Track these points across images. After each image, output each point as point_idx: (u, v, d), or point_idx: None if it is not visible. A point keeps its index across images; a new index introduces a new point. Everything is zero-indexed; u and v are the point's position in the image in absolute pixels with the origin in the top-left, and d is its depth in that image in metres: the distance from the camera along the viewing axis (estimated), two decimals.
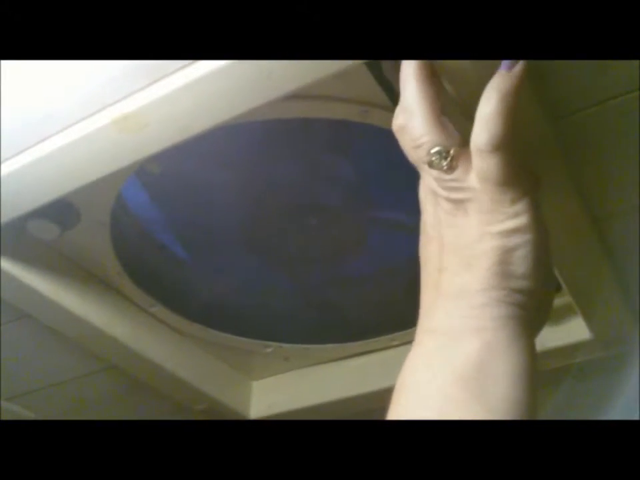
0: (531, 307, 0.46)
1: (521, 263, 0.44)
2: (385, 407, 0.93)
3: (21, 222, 0.64)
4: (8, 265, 0.69)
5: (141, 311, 0.82)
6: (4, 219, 0.63)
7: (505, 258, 0.44)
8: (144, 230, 0.80)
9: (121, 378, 0.88)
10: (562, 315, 0.80)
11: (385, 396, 0.88)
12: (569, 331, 0.81)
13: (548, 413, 0.90)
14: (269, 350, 0.91)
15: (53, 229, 0.66)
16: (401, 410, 0.47)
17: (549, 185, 0.52)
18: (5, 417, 0.96)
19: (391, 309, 0.88)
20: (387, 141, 0.65)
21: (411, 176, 0.73)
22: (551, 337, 0.80)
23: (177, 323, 0.85)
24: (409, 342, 0.87)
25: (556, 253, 0.64)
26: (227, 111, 0.53)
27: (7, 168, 0.59)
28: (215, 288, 0.86)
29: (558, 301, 0.77)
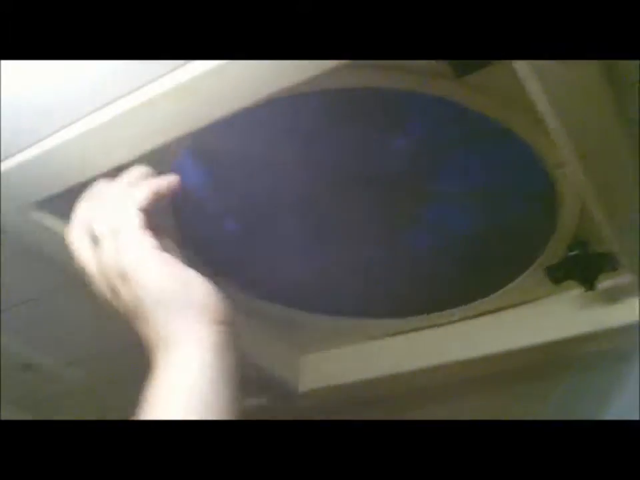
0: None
1: None
2: (435, 384, 0.93)
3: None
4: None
5: None
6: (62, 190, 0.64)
7: None
8: (198, 201, 0.80)
9: None
10: (617, 295, 0.79)
11: (435, 373, 0.89)
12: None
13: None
14: (322, 323, 0.91)
15: None
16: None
17: None
18: (60, 382, 0.99)
19: (448, 284, 0.87)
20: (446, 113, 0.64)
21: (470, 152, 0.73)
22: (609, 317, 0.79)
23: (230, 293, 0.85)
24: (462, 319, 0.88)
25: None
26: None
27: (62, 137, 0.61)
28: (269, 259, 0.86)
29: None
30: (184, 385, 0.51)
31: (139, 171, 0.60)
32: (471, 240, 0.82)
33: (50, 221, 0.68)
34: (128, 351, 0.92)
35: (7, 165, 0.63)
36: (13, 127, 0.60)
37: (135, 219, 0.55)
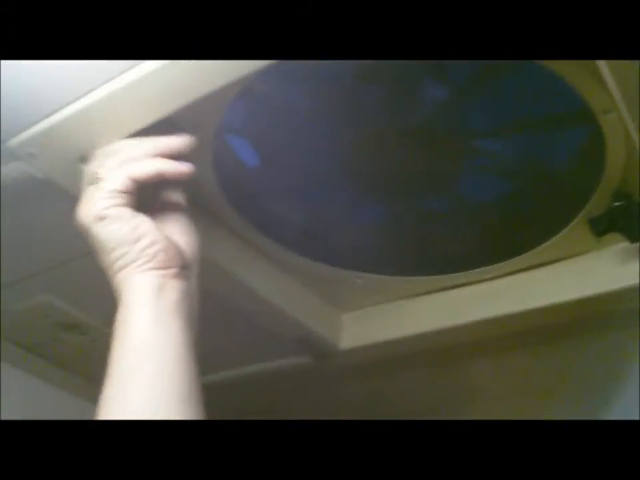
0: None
1: None
2: (473, 340, 0.93)
3: None
4: None
5: (237, 237, 0.84)
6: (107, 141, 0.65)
7: None
8: (242, 157, 0.81)
9: (214, 304, 0.90)
10: None
11: (474, 329, 0.89)
12: None
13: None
14: (360, 281, 0.91)
15: None
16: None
17: None
18: (104, 342, 1.00)
19: (486, 241, 0.87)
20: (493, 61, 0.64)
21: (514, 103, 0.72)
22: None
23: (273, 250, 0.86)
24: (503, 275, 0.88)
25: None
26: None
27: (110, 87, 0.61)
28: (310, 217, 0.87)
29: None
30: (129, 337, 0.57)
31: (161, 142, 0.63)
32: (513, 195, 0.82)
33: None
34: None
35: (52, 120, 0.64)
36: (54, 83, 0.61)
37: (117, 181, 0.59)
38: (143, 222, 0.60)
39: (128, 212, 0.59)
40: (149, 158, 0.62)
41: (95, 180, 0.60)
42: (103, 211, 0.58)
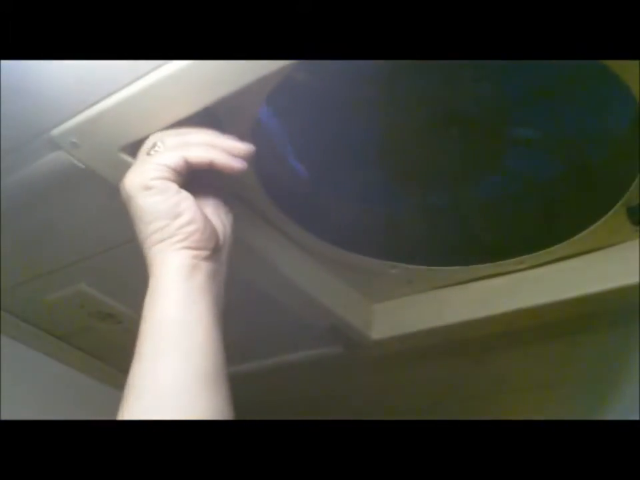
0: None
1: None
2: (506, 331, 0.93)
3: None
4: None
5: (272, 226, 0.84)
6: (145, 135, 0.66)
7: None
8: (277, 147, 0.81)
9: (248, 292, 0.91)
10: None
11: (508, 319, 0.89)
12: None
13: None
14: (394, 271, 0.91)
15: None
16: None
17: None
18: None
19: (520, 231, 0.87)
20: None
21: (552, 93, 0.72)
22: None
23: (306, 239, 0.86)
24: (538, 265, 0.87)
25: None
26: None
27: (152, 78, 0.62)
28: (344, 207, 0.87)
29: None
30: (160, 316, 0.58)
31: (224, 140, 0.64)
32: (550, 184, 0.82)
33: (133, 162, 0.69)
34: None
35: (95, 109, 0.65)
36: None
37: (171, 158, 0.60)
38: (186, 200, 0.61)
39: (174, 187, 0.60)
40: (208, 146, 0.62)
41: (152, 151, 0.62)
42: (151, 181, 0.59)
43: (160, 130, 0.65)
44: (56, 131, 0.67)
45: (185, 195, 0.61)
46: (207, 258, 0.62)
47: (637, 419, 0.90)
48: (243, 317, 0.99)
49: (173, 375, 0.56)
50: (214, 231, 0.63)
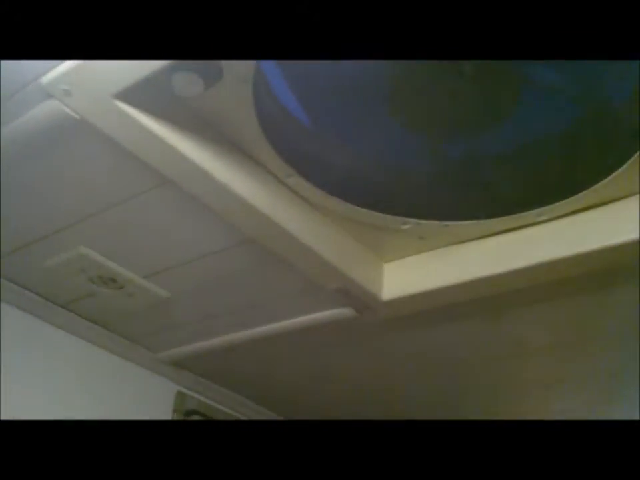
0: None
1: None
2: (523, 288, 0.89)
3: (167, 75, 0.63)
4: (154, 125, 0.68)
5: (279, 182, 0.80)
6: (148, 73, 0.62)
7: None
8: (281, 97, 0.77)
9: (256, 253, 0.88)
10: None
11: (527, 275, 0.85)
12: None
13: None
14: (406, 227, 0.88)
15: (198, 82, 0.64)
16: None
17: None
18: (141, 296, 0.99)
19: (538, 182, 0.83)
20: None
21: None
22: None
23: (314, 195, 0.83)
24: (557, 217, 0.83)
25: None
26: None
27: None
28: (353, 160, 0.83)
29: None
30: None
31: None
32: (569, 132, 0.78)
33: (129, 110, 0.66)
34: (207, 259, 0.92)
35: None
36: None
37: None
38: None
39: None
40: None
41: None
42: None
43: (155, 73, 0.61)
44: (47, 78, 0.64)
45: None
46: None
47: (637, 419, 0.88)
48: (252, 280, 0.96)
49: None
50: None
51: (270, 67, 0.72)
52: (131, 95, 0.64)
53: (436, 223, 0.87)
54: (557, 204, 0.82)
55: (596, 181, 0.79)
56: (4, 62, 0.63)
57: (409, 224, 0.87)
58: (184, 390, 1.23)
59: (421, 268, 0.93)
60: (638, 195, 0.80)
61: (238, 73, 0.65)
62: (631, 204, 0.80)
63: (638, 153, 0.73)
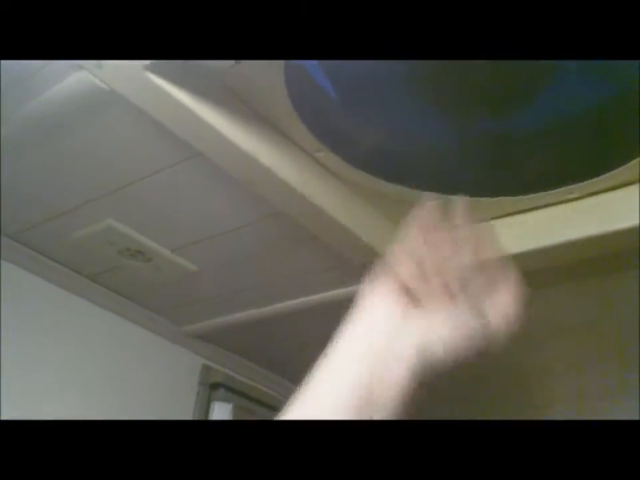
0: None
1: None
2: (552, 267, 0.88)
3: None
4: (185, 98, 0.68)
5: (308, 156, 0.80)
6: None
7: None
8: (312, 73, 0.76)
9: (284, 227, 0.88)
10: None
11: (557, 253, 0.84)
12: None
13: None
14: (435, 203, 0.87)
15: None
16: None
17: None
18: (169, 270, 0.99)
19: (570, 159, 0.82)
20: None
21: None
22: None
23: (343, 170, 0.82)
24: (589, 194, 0.82)
25: None
26: None
27: None
28: (382, 136, 0.82)
29: None
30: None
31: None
32: (599, 110, 0.76)
33: (160, 82, 0.66)
34: (236, 233, 0.92)
35: None
36: None
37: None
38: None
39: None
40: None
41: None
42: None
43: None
44: None
45: None
46: None
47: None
48: (280, 254, 0.96)
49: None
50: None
51: None
52: (162, 67, 0.64)
53: (465, 199, 0.86)
54: (589, 181, 0.80)
55: (628, 159, 0.77)
56: None
57: (438, 200, 0.86)
58: (209, 363, 1.24)
59: None
60: None
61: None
62: None
63: None
